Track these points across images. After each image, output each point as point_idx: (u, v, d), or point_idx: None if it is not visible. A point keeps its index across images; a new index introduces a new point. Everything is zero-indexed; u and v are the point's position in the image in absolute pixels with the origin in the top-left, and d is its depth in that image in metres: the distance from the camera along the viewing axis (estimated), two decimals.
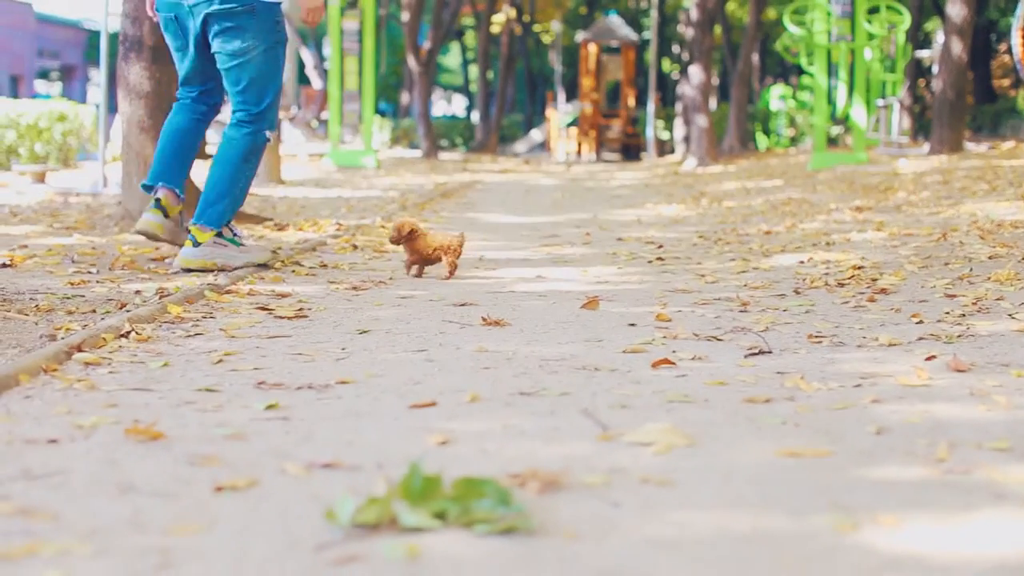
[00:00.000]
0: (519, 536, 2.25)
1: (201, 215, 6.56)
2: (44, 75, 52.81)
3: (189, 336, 4.50)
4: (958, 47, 18.59)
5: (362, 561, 2.11)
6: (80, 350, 4.01)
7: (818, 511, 2.39)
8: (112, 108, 17.65)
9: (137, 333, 4.40)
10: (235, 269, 6.46)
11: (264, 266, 6.61)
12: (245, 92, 6.55)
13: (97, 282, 5.87)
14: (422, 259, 6.46)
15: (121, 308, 5.00)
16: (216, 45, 6.51)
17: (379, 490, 2.40)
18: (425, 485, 2.37)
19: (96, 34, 45.63)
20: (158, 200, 6.77)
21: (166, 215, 6.77)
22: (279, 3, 6.57)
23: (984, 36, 33.57)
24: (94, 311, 4.95)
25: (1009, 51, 25.65)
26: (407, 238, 6.39)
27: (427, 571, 2.07)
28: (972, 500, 2.47)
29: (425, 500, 2.35)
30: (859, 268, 6.61)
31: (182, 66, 6.74)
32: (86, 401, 3.36)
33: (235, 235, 6.75)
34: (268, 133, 6.69)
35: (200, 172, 7.58)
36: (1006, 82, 36.98)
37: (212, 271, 6.39)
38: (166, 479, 2.60)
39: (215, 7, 6.41)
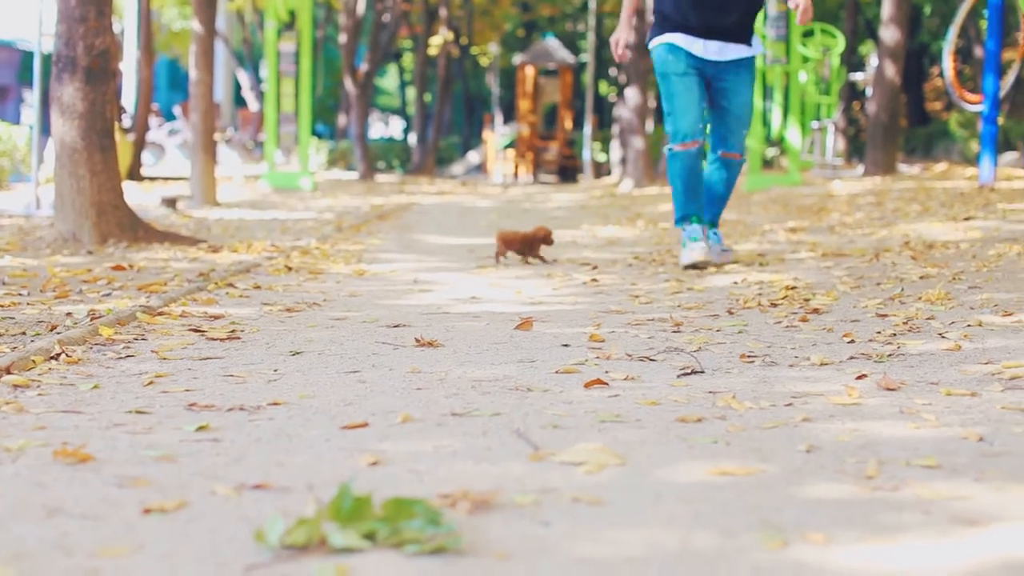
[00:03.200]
0: (449, 556, 2.24)
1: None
2: None
3: (120, 358, 4.47)
4: (891, 70, 18.79)
5: None
6: (9, 372, 3.98)
7: (748, 529, 2.40)
8: (46, 130, 17.50)
9: (67, 355, 4.37)
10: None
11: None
12: None
13: (28, 304, 5.82)
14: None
15: (52, 330, 4.95)
16: None
17: (309, 511, 2.39)
18: (355, 506, 2.36)
19: (30, 55, 45.34)
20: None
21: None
22: (650, 47, 8.28)
23: (917, 60, 33.94)
24: (24, 333, 4.91)
25: (941, 74, 25.91)
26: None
27: None
28: (901, 517, 2.49)
29: (355, 521, 2.34)
30: (792, 288, 6.65)
31: None
32: (14, 424, 3.33)
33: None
34: (667, 147, 8.07)
35: (133, 194, 7.52)
36: (938, 105, 37.38)
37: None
38: (94, 501, 2.58)
39: None
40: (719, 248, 8.27)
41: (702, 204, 8.13)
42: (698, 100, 8.00)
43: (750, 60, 8.17)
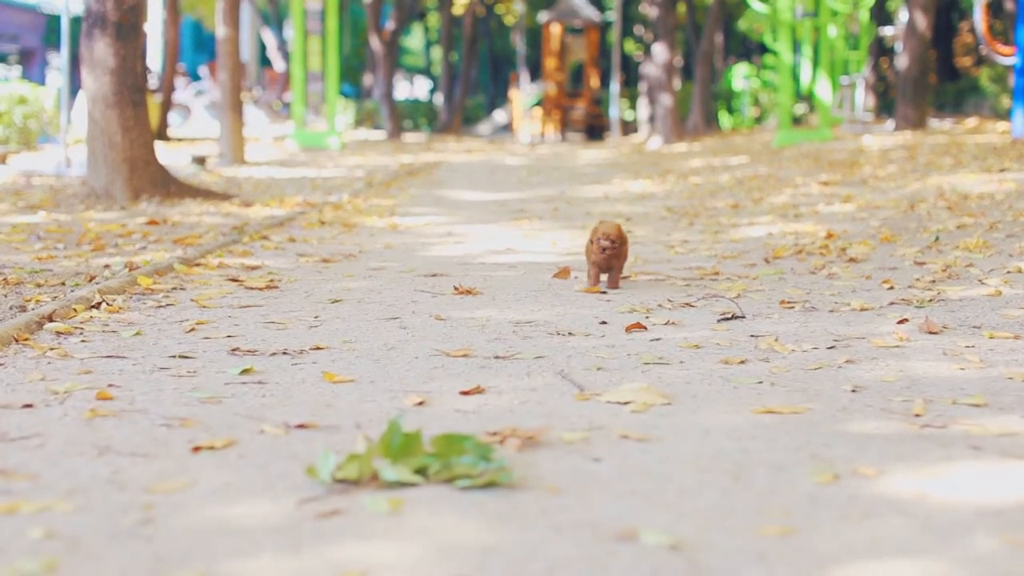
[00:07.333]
0: (501, 490, 2.24)
1: None
2: (2, 59, 52.48)
3: (160, 307, 4.47)
4: (922, 22, 18.64)
5: (346, 514, 2.10)
6: (51, 319, 3.99)
7: (798, 463, 2.40)
8: (73, 91, 17.45)
9: (108, 304, 4.38)
10: None
11: None
12: None
13: (65, 257, 5.83)
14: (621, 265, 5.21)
15: (90, 280, 4.96)
16: None
17: (359, 448, 2.39)
18: (405, 442, 2.36)
19: (55, 18, 45.42)
20: None
21: None
22: None
23: (946, 15, 33.70)
24: (63, 284, 4.92)
25: (971, 29, 25.77)
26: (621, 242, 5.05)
27: (410, 523, 2.07)
28: (950, 452, 2.49)
29: (406, 456, 2.34)
30: (829, 238, 6.62)
31: None
32: (59, 368, 3.34)
33: None
34: None
35: (162, 154, 7.51)
36: (968, 60, 37.12)
37: None
38: (144, 440, 2.59)
39: None
40: None
41: None
42: None
43: None
